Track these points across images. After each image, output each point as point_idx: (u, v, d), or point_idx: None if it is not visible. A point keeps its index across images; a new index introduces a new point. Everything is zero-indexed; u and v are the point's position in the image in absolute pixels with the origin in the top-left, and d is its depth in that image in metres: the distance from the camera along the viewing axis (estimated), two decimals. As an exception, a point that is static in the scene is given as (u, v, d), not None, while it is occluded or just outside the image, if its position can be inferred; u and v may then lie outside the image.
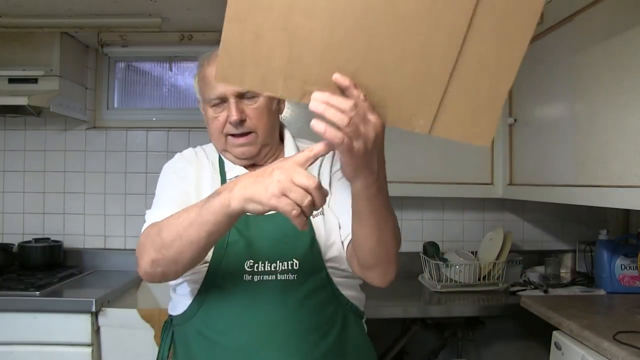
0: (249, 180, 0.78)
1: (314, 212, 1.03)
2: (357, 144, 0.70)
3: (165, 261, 0.89)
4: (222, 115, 1.05)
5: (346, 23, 0.64)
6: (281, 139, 1.17)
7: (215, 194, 0.82)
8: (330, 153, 1.11)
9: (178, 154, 1.17)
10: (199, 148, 1.19)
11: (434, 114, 0.68)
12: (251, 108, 1.05)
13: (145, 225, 1.00)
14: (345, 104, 0.67)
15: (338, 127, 0.68)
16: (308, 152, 0.76)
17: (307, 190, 0.73)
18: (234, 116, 1.02)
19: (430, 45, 0.64)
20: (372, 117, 0.70)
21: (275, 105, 1.11)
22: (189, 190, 1.06)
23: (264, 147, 1.09)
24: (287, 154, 1.13)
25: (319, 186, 0.74)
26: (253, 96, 1.05)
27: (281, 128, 1.18)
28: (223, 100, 1.04)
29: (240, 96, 1.04)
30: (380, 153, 0.77)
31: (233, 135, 1.06)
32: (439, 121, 0.69)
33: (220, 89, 1.03)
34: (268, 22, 0.65)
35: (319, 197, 0.74)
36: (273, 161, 1.12)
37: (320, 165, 1.11)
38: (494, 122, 0.69)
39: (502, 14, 0.63)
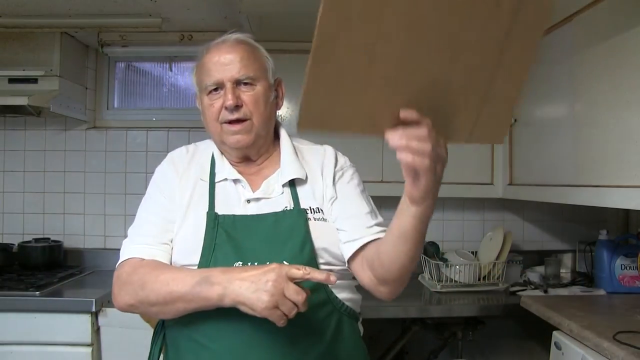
0: (244, 283, 0.85)
1: (315, 216, 1.04)
2: (439, 167, 0.74)
3: (145, 311, 0.99)
4: (218, 102, 1.05)
5: (413, 54, 0.67)
6: (277, 137, 1.16)
7: (207, 281, 0.89)
8: (331, 158, 1.12)
9: (169, 155, 1.17)
10: (192, 146, 1.19)
11: (471, 128, 0.75)
12: (247, 95, 1.05)
13: (125, 254, 1.05)
14: (423, 132, 0.70)
15: (423, 154, 0.71)
16: (304, 272, 0.83)
17: (295, 304, 0.83)
18: (230, 100, 1.02)
19: (474, 55, 0.69)
20: (441, 140, 0.73)
21: (272, 98, 1.11)
22: (173, 207, 1.06)
23: (258, 138, 1.08)
24: (283, 154, 1.12)
25: (306, 300, 0.83)
26: (250, 83, 1.05)
27: (277, 126, 1.17)
28: (220, 86, 1.05)
29: (237, 83, 1.04)
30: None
31: (228, 122, 1.05)
32: (475, 130, 0.75)
33: (218, 75, 1.04)
34: (351, 56, 0.66)
35: (304, 308, 0.84)
36: (267, 159, 1.13)
37: (322, 169, 1.11)
38: (508, 123, 0.79)
39: (523, 28, 0.69)
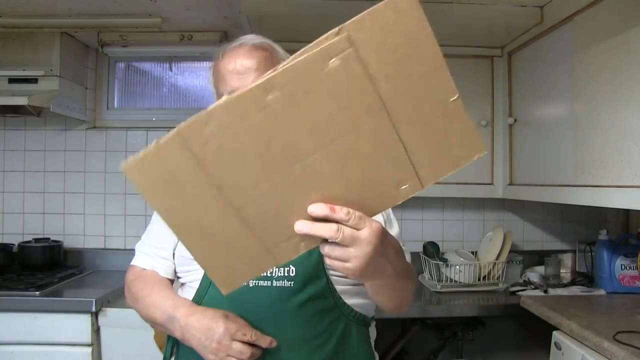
0: (195, 336, 0.90)
1: None
2: (358, 262, 0.68)
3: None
4: None
5: (280, 164, 0.62)
6: None
7: (173, 321, 0.94)
8: None
9: None
10: None
11: (414, 171, 0.65)
12: None
13: (134, 259, 1.14)
14: (330, 231, 0.65)
15: (343, 260, 0.67)
16: (249, 338, 0.88)
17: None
18: None
19: (362, 129, 0.61)
20: (363, 231, 0.66)
21: None
22: None
23: None
24: None
25: (252, 354, 0.88)
26: None
27: None
28: None
29: None
30: (386, 248, 0.73)
31: None
32: (422, 172, 0.65)
33: (234, 84, 1.00)
34: (213, 219, 0.65)
35: (258, 354, 0.90)
36: None
37: None
38: (472, 130, 0.63)
39: (392, 60, 0.58)
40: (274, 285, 0.98)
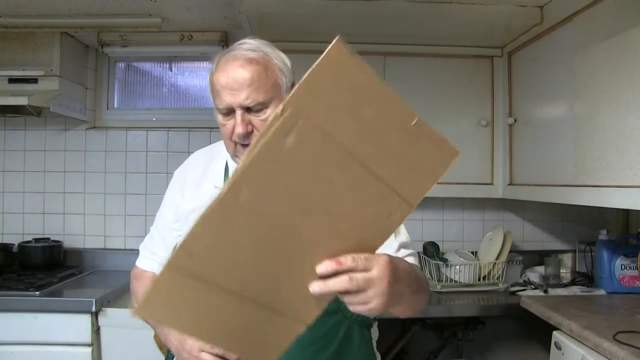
0: (173, 345, 0.98)
1: None
2: (379, 300, 0.70)
3: None
4: (230, 124, 1.00)
5: (276, 247, 0.63)
6: None
7: (164, 335, 1.01)
8: None
9: (191, 156, 1.23)
10: (217, 146, 1.19)
11: (400, 198, 0.66)
12: (258, 120, 0.99)
13: (138, 259, 1.21)
14: (343, 283, 0.66)
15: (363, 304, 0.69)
16: (216, 352, 0.90)
17: None
18: (240, 129, 0.98)
19: (339, 185, 0.62)
20: (374, 271, 0.68)
21: None
22: (175, 225, 1.16)
23: None
24: None
25: None
26: (261, 108, 0.99)
27: None
28: (230, 111, 1.00)
29: (247, 109, 0.98)
30: (399, 274, 0.74)
31: (242, 144, 1.02)
32: (408, 196, 0.67)
33: (227, 99, 0.98)
34: (232, 317, 0.67)
35: None
36: None
37: None
38: (441, 139, 0.65)
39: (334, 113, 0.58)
40: None
